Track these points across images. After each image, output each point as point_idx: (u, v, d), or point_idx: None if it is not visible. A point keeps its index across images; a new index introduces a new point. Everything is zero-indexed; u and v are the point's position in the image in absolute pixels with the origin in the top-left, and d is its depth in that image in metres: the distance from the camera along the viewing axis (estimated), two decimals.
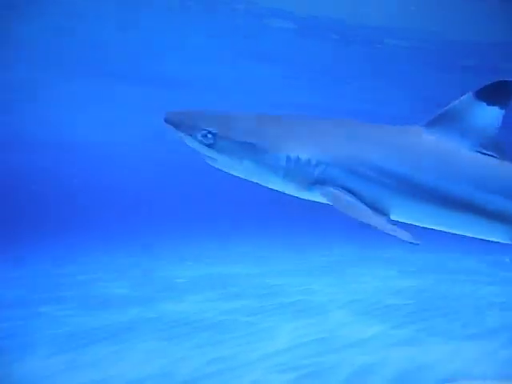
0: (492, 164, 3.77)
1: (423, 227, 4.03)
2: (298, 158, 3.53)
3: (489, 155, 3.77)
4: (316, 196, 3.75)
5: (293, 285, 12.87)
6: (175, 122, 3.79)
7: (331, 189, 3.57)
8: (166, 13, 12.30)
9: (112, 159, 41.97)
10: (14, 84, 18.41)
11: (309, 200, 4.12)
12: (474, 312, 10.37)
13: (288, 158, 3.52)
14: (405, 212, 3.80)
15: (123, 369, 7.31)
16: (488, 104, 3.71)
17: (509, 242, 3.87)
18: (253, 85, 18.95)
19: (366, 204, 3.65)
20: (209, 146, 3.70)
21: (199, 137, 3.69)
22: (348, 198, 3.56)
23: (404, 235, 3.57)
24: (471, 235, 3.92)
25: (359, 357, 7.73)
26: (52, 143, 32.86)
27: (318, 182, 3.60)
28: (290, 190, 3.80)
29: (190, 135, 3.73)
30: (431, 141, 3.81)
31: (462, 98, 3.79)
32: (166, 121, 3.81)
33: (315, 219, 33.34)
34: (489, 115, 3.73)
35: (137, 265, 16.81)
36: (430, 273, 14.64)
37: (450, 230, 4.03)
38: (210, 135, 3.66)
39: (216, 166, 3.90)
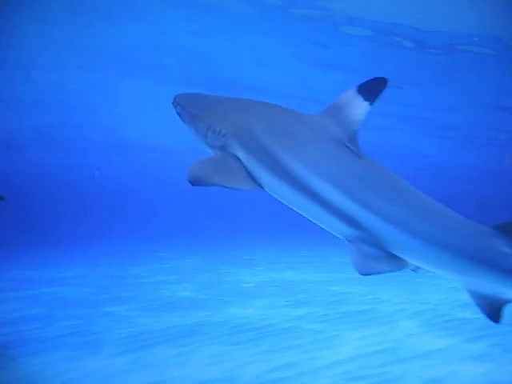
0: (348, 160, 3.87)
1: None
2: (213, 129, 4.07)
3: (351, 149, 3.91)
4: None
5: (360, 293, 12.65)
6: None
7: (223, 153, 4.06)
8: (238, 19, 12.38)
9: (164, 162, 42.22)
10: (62, 85, 18.78)
11: None
12: None
13: (208, 128, 4.07)
14: (273, 189, 4.02)
15: (186, 372, 7.30)
16: (364, 99, 4.00)
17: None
18: (326, 93, 18.82)
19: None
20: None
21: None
22: (235, 164, 3.97)
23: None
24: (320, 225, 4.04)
25: (427, 369, 7.45)
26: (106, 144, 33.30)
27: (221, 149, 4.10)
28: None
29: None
30: (315, 128, 4.01)
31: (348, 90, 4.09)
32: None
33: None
34: (359, 109, 4.00)
35: (203, 268, 16.98)
36: None
37: (304, 214, 4.08)
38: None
39: None
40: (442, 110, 19.70)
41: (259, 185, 3.99)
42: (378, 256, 3.87)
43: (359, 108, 4.04)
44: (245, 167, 4.00)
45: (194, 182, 3.97)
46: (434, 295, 12.58)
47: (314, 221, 4.11)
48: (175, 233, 30.96)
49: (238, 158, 3.99)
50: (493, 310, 3.76)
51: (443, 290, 13.28)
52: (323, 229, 3.97)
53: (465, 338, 9.06)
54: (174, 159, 36.82)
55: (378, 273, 3.80)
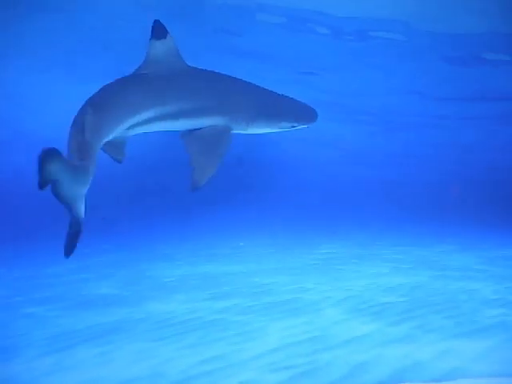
0: None
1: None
2: None
3: None
4: None
5: (285, 283, 12.64)
6: None
7: None
8: (149, 6, 12.14)
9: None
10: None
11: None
12: (469, 309, 10.14)
13: None
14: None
15: (111, 370, 7.04)
16: None
17: None
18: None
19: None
20: None
21: None
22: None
23: None
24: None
25: (353, 355, 7.50)
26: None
27: None
28: None
29: None
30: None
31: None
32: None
33: (304, 217, 33.46)
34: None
35: (123, 265, 16.63)
36: (424, 269, 14.48)
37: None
38: None
39: None
40: (357, 96, 20.18)
41: None
42: None
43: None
44: None
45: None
46: (357, 282, 12.75)
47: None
48: (93, 229, 30.20)
49: None
50: None
51: (366, 276, 13.50)
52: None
53: (388, 321, 9.19)
54: None
55: None
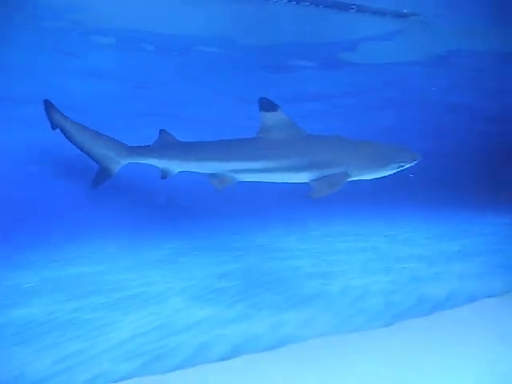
0: None
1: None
2: None
3: None
4: None
5: (132, 279, 13.06)
6: None
7: None
8: None
9: None
10: None
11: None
12: (294, 283, 11.37)
13: None
14: None
15: None
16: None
17: None
18: (86, 100, 18.73)
19: None
20: None
21: None
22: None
23: None
24: None
25: (197, 337, 8.27)
26: None
27: None
28: None
29: None
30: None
31: None
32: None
33: (146, 217, 33.50)
34: None
35: None
36: (256, 254, 15.59)
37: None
38: None
39: None
40: (183, 106, 20.82)
41: None
42: None
43: None
44: None
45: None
46: (196, 272, 13.48)
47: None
48: None
49: None
50: None
51: (204, 265, 14.30)
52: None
53: (226, 303, 10.10)
54: None
55: None
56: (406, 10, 11.34)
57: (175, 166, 7.56)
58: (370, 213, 26.47)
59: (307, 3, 10.72)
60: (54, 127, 7.04)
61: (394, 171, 6.56)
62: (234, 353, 7.55)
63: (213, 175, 6.94)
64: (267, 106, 6.36)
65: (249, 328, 8.59)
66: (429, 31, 12.78)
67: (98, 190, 8.14)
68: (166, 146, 7.69)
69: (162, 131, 7.58)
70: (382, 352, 7.23)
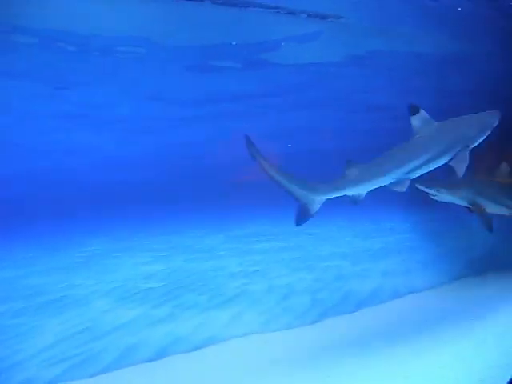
0: None
1: None
2: None
3: None
4: None
5: (54, 282, 12.69)
6: None
7: None
8: None
9: None
10: None
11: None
12: (217, 284, 11.39)
13: None
14: None
15: None
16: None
17: None
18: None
19: None
20: None
21: None
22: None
23: None
24: None
25: (123, 339, 8.12)
26: None
27: None
28: None
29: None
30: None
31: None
32: None
33: (63, 219, 32.65)
34: None
35: None
36: (179, 254, 15.54)
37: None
38: None
39: None
40: (105, 106, 20.40)
41: None
42: None
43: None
44: None
45: None
46: (120, 273, 13.28)
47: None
48: None
49: None
50: None
51: (127, 267, 14.12)
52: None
53: (151, 305, 9.97)
54: None
55: None
56: (326, 12, 11.60)
57: (365, 189, 7.94)
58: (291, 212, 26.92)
59: (229, 4, 10.77)
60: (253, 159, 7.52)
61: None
62: (160, 354, 7.46)
63: (394, 183, 7.65)
64: (414, 110, 7.35)
65: (174, 328, 8.51)
66: (349, 32, 13.11)
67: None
68: (354, 174, 8.03)
69: (348, 161, 8.05)
70: (309, 350, 7.34)
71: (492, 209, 9.16)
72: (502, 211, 9.39)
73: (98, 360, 7.39)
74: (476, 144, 7.81)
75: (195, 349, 7.62)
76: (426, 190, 9.03)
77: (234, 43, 13.67)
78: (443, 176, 8.76)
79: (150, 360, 7.30)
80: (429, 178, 8.83)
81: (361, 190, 8.50)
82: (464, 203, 9.36)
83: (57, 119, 21.78)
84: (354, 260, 13.22)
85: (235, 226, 21.91)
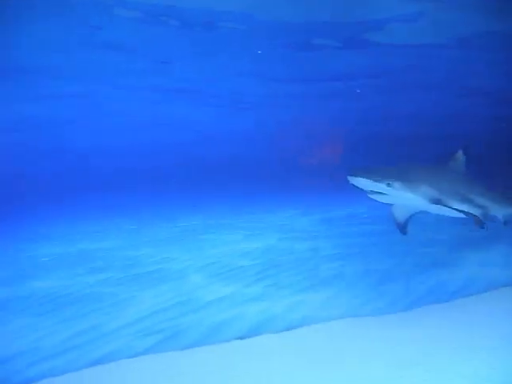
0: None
1: None
2: None
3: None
4: None
5: (150, 255, 12.83)
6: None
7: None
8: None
9: None
10: None
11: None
12: (313, 264, 10.98)
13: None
14: None
15: None
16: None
17: None
18: (105, 73, 18.44)
19: None
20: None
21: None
22: None
23: None
24: None
25: (217, 315, 7.93)
26: None
27: None
28: None
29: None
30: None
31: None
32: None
33: (161, 194, 33.54)
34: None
35: (3, 246, 15.92)
36: (273, 233, 15.28)
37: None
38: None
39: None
40: (205, 81, 20.47)
41: None
42: None
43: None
44: None
45: None
46: (215, 250, 13.21)
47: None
48: None
49: None
50: None
51: (223, 243, 14.03)
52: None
53: (245, 282, 9.75)
54: None
55: None
56: None
57: None
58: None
59: None
60: None
61: None
62: (252, 332, 7.20)
63: None
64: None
65: (268, 308, 8.22)
66: (453, 12, 12.21)
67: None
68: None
69: None
70: (397, 338, 6.81)
71: (460, 208, 7.62)
72: (472, 211, 7.82)
73: (191, 334, 7.23)
74: None
75: (288, 329, 7.28)
76: (370, 184, 6.81)
77: (336, 21, 13.07)
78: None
79: (242, 337, 7.03)
80: (373, 168, 7.18)
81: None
82: (423, 203, 7.45)
83: (159, 93, 22.20)
84: (452, 247, 12.33)
85: (332, 208, 21.34)
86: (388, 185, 6.80)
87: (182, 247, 13.75)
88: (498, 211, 8.82)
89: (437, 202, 7.35)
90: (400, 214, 8.85)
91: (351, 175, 6.75)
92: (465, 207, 7.70)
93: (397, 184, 6.85)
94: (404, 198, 7.11)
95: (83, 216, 24.28)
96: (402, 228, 9.03)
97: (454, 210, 7.56)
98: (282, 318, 7.73)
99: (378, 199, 7.15)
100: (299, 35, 14.19)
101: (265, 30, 13.64)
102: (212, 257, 12.28)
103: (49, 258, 13.54)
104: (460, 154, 8.39)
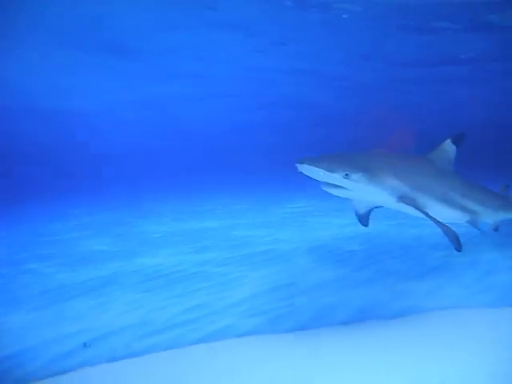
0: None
1: None
2: None
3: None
4: None
5: (259, 236, 13.01)
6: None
7: None
8: None
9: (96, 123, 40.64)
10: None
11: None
12: (419, 253, 10.69)
13: None
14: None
15: (105, 320, 7.36)
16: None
17: None
18: (226, 52, 18.86)
19: None
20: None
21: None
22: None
23: None
24: None
25: (322, 298, 7.91)
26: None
27: None
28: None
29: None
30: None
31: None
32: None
33: (277, 178, 33.92)
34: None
35: (114, 223, 16.80)
36: (382, 219, 14.96)
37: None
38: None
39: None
40: (318, 63, 20.26)
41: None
42: None
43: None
44: None
45: None
46: (324, 232, 13.24)
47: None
48: (84, 190, 30.36)
49: None
50: None
51: (333, 227, 13.96)
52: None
53: (352, 267, 9.67)
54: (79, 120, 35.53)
55: None
56: None
57: None
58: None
59: None
60: None
61: None
62: (357, 317, 7.12)
63: None
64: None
65: (374, 294, 8.09)
66: None
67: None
68: None
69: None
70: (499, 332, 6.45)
71: (439, 211, 6.32)
72: (456, 216, 6.60)
73: (296, 316, 7.24)
74: None
75: (393, 316, 7.12)
76: (322, 174, 5.51)
77: (456, 2, 12.47)
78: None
79: (346, 322, 6.97)
80: (328, 155, 5.84)
81: None
82: (389, 201, 6.10)
83: (268, 73, 22.34)
84: None
85: None
86: (345, 176, 5.50)
87: (292, 230, 13.86)
88: (490, 216, 7.47)
89: (407, 200, 6.02)
90: (361, 206, 7.66)
91: (299, 162, 5.42)
92: (447, 211, 6.51)
93: (356, 175, 5.52)
94: (365, 192, 5.83)
95: (194, 195, 25.10)
96: (363, 220, 7.83)
97: (428, 218, 6.21)
98: (388, 305, 7.57)
99: (335, 193, 5.91)
100: (416, 17, 13.71)
101: (381, 12, 13.29)
102: (319, 240, 12.30)
103: (159, 234, 14.18)
104: (448, 144, 6.84)
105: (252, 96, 29.11)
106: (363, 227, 8.01)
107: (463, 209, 6.71)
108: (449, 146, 6.85)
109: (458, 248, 6.00)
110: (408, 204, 6.00)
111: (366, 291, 8.26)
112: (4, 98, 27.00)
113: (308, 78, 23.23)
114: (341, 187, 5.71)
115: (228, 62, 20.21)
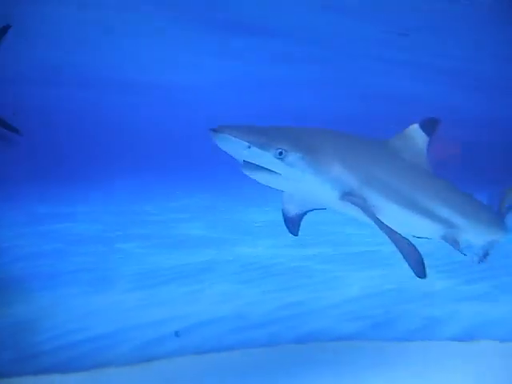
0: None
1: None
2: None
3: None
4: None
5: (365, 235, 12.33)
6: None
7: None
8: None
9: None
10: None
11: None
12: None
13: None
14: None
15: (197, 308, 7.15)
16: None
17: None
18: (328, 34, 18.46)
19: None
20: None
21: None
22: None
23: None
24: None
25: (427, 309, 7.34)
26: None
27: None
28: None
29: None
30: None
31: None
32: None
33: None
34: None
35: (214, 207, 16.85)
36: None
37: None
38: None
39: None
40: (430, 55, 19.46)
41: None
42: None
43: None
44: None
45: None
46: (432, 239, 12.45)
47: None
48: (186, 170, 30.95)
49: None
50: None
51: None
52: None
53: (464, 279, 8.91)
54: (183, 96, 36.27)
55: None
56: None
57: None
58: None
59: None
60: None
61: None
62: (468, 334, 6.45)
63: None
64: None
65: (487, 310, 7.38)
66: None
67: None
68: None
69: None
70: None
71: (400, 219, 4.37)
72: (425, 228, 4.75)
73: (398, 325, 6.74)
74: None
75: (509, 338, 6.37)
76: (246, 149, 3.63)
77: None
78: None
79: (454, 338, 6.33)
80: (256, 126, 3.97)
81: None
82: (330, 196, 4.15)
83: (379, 62, 21.68)
84: None
85: None
86: (279, 155, 3.78)
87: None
88: (477, 235, 5.50)
89: (355, 199, 4.19)
90: (292, 206, 5.46)
91: (216, 131, 3.63)
92: (411, 219, 4.62)
93: (293, 156, 3.82)
94: (299, 182, 4.05)
95: None
96: (292, 225, 5.71)
97: (378, 226, 4.23)
98: (504, 324, 6.86)
99: (259, 179, 4.11)
100: None
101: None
102: (428, 246, 11.53)
103: (260, 224, 13.90)
104: (415, 130, 4.74)
105: (358, 85, 28.50)
106: None
107: (436, 219, 4.82)
108: (416, 133, 4.78)
109: (420, 273, 4.26)
110: (355, 204, 4.19)
111: (478, 306, 7.61)
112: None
113: (411, 68, 22.40)
114: (269, 171, 3.92)
115: (341, 46, 19.74)
